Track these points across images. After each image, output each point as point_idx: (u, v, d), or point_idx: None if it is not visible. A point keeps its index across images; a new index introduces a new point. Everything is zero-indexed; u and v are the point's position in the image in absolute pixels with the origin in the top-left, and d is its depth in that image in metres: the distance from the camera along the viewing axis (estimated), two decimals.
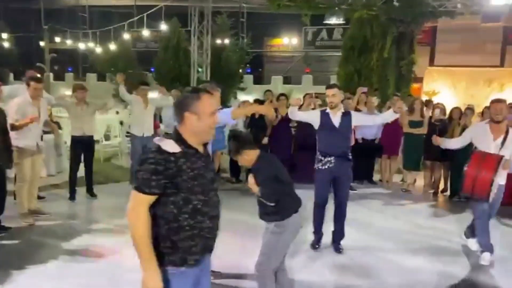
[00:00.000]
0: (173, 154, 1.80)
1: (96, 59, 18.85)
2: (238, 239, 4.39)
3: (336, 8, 11.79)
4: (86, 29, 20.32)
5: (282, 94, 7.57)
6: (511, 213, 5.65)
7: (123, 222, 4.67)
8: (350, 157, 4.29)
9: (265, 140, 7.05)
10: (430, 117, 6.96)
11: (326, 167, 4.16)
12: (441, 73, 13.70)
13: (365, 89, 7.71)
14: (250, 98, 11.54)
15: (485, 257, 4.16)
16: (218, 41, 15.80)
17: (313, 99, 7.06)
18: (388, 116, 4.32)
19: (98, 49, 18.86)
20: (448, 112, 7.15)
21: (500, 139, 4.01)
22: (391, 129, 7.23)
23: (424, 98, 12.68)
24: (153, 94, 18.15)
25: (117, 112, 11.39)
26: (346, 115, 4.24)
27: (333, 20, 13.04)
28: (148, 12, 15.07)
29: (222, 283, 3.53)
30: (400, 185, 7.46)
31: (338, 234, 4.41)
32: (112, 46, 18.33)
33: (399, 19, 11.68)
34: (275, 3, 11.47)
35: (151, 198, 1.81)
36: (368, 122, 5.15)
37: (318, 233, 4.43)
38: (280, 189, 2.82)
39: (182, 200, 1.83)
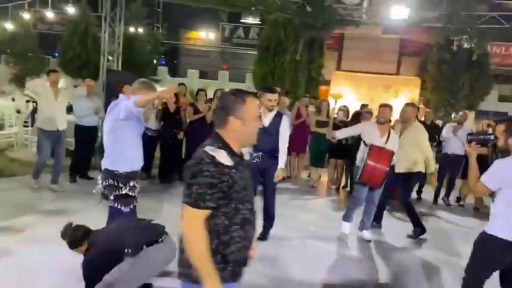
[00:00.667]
0: (227, 166, 1.71)
1: None
2: None
3: (253, 8, 12.04)
4: None
5: (200, 90, 7.53)
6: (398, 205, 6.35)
7: (19, 220, 4.36)
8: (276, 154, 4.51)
9: (181, 136, 6.98)
10: (335, 118, 7.52)
11: (254, 161, 4.41)
12: (346, 77, 14.76)
13: (278, 89, 8.00)
14: None
15: (365, 234, 4.99)
16: (132, 30, 15.12)
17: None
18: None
19: None
20: (351, 114, 7.79)
21: (385, 137, 4.77)
22: (299, 128, 7.65)
23: (331, 100, 13.61)
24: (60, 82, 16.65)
25: (13, 99, 10.33)
26: (277, 117, 4.51)
27: (249, 19, 13.30)
28: None
29: None
30: (307, 181, 7.93)
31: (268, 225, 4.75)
32: (9, 26, 16.51)
33: (310, 24, 12.34)
34: None
35: (206, 213, 1.71)
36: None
37: None
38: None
39: (232, 210, 1.75)
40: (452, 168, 7.24)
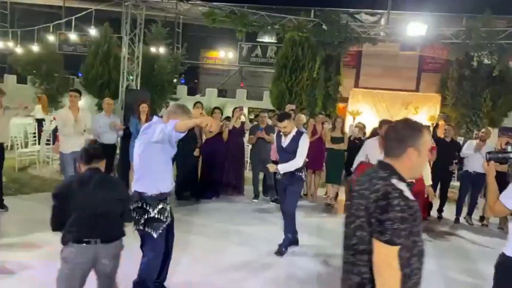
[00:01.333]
0: (412, 200, 1.69)
1: (16, 60, 17.51)
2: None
3: (269, 27, 12.20)
4: (7, 28, 18.82)
5: (216, 108, 7.61)
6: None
7: (37, 236, 4.43)
8: (299, 172, 4.85)
9: (197, 152, 7.03)
10: (350, 136, 7.46)
11: (279, 177, 4.96)
12: (364, 95, 14.69)
13: (293, 107, 8.04)
14: None
15: None
16: (152, 50, 15.51)
17: (241, 111, 7.26)
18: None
19: (19, 50, 17.55)
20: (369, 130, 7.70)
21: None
22: (315, 145, 7.59)
23: (349, 117, 13.53)
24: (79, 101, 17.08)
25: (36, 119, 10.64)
26: (296, 136, 4.80)
27: (265, 39, 13.47)
28: (78, 16, 14.38)
29: None
30: (324, 199, 7.81)
31: (286, 239, 4.94)
32: (36, 48, 17.17)
33: (327, 42, 12.40)
34: (210, 17, 11.61)
35: (398, 249, 1.67)
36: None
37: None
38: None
39: (411, 243, 1.72)
40: (474, 186, 7.02)
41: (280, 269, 4.37)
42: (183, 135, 2.91)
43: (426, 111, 14.19)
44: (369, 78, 15.73)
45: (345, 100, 14.59)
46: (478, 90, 12.31)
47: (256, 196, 7.48)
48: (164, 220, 3.18)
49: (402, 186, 1.70)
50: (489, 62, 11.65)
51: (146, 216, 3.08)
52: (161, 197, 3.17)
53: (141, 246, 3.20)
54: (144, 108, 6.77)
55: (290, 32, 12.70)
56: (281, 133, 4.89)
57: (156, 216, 3.11)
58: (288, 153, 4.77)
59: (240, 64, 20.21)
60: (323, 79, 13.02)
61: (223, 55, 22.34)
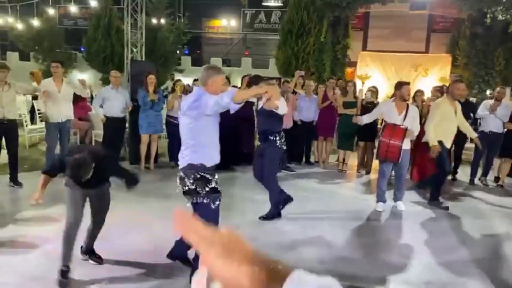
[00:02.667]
0: None
1: (17, 36, 17.27)
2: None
3: None
4: (5, 3, 18.46)
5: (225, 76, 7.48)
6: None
7: (52, 211, 4.44)
8: (272, 137, 4.66)
9: None
10: (363, 100, 7.30)
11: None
12: (373, 58, 14.34)
13: (302, 73, 7.84)
14: (189, 80, 11.28)
15: (400, 205, 5.33)
16: (154, 21, 15.16)
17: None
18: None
19: (20, 26, 17.27)
20: (380, 94, 7.54)
21: (403, 114, 5.03)
22: (326, 112, 7.48)
23: (357, 81, 13.28)
24: (83, 75, 17.12)
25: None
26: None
27: (271, 2, 13.06)
28: None
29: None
30: (335, 165, 7.77)
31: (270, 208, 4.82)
32: (36, 23, 16.88)
33: (334, 4, 11.99)
34: None
35: None
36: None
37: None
38: None
39: None
40: (490, 146, 6.89)
41: (293, 235, 4.36)
42: (240, 106, 2.79)
43: (436, 72, 13.85)
44: (377, 41, 15.32)
45: (353, 64, 14.27)
46: (491, 49, 11.94)
47: None
48: (220, 191, 3.14)
49: None
50: (504, 18, 11.21)
51: (208, 187, 3.01)
52: (214, 168, 3.15)
53: None
54: (151, 79, 6.66)
55: None
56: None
57: (216, 186, 3.07)
58: (263, 116, 4.70)
59: (244, 31, 19.76)
60: (331, 43, 12.68)
61: (226, 24, 21.85)
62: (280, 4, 13.96)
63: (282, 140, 4.72)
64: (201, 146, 3.04)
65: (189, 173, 3.02)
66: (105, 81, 13.09)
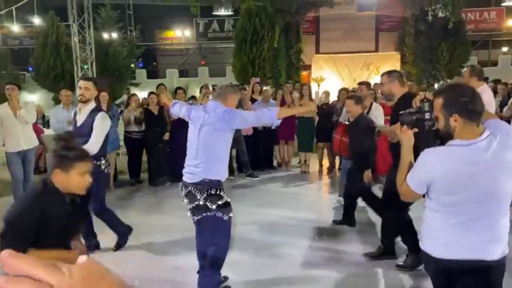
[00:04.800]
0: None
1: None
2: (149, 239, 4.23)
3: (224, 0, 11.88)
4: None
5: (179, 88, 7.43)
6: None
7: None
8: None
9: (166, 136, 6.84)
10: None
11: None
12: (326, 60, 14.72)
13: (257, 80, 7.93)
14: (144, 93, 11.08)
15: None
16: (105, 36, 14.80)
17: (207, 89, 7.10)
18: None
19: None
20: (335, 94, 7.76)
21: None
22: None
23: (313, 84, 13.57)
24: (33, 96, 16.41)
25: None
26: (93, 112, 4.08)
27: (221, 11, 13.12)
28: (18, 5, 13.45)
29: None
30: (298, 167, 7.88)
31: None
32: None
33: (284, 10, 12.21)
34: None
35: None
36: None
37: None
38: None
39: None
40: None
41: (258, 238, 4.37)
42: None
43: (387, 69, 14.40)
44: (329, 43, 15.73)
45: (308, 67, 14.58)
46: (434, 44, 12.57)
47: (231, 172, 7.43)
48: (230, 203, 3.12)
49: None
50: (444, 15, 11.86)
51: (220, 202, 2.97)
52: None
53: (199, 232, 3.17)
54: (104, 96, 6.48)
55: (246, 1, 12.42)
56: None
57: (227, 200, 3.04)
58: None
59: (198, 41, 19.71)
60: (284, 48, 12.90)
61: (180, 34, 21.71)
62: (230, 13, 14.03)
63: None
64: (218, 159, 2.99)
65: (203, 189, 2.94)
66: (57, 101, 12.62)
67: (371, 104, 5.22)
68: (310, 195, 6.30)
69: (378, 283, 3.52)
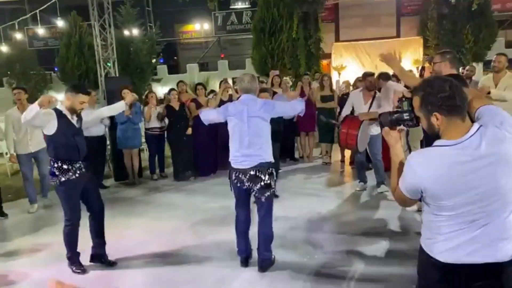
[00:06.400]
0: None
1: None
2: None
3: None
4: None
5: (199, 84, 7.51)
6: None
7: (38, 239, 4.40)
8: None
9: (189, 131, 6.96)
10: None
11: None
12: (346, 48, 14.51)
13: (277, 72, 7.91)
14: (166, 89, 11.24)
15: (382, 188, 5.52)
16: (126, 33, 15.05)
17: (226, 84, 7.15)
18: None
19: None
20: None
21: (369, 103, 5.39)
22: (305, 107, 7.55)
23: (334, 72, 13.44)
24: (60, 95, 16.92)
25: None
26: None
27: (239, 4, 13.10)
28: (42, 8, 13.82)
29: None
30: (320, 159, 7.86)
31: None
32: (5, 48, 16.61)
33: (301, 0, 12.09)
34: None
35: None
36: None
37: None
38: None
39: None
40: None
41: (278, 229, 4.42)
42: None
43: (409, 55, 14.09)
44: (349, 30, 15.50)
45: (328, 56, 14.41)
46: (458, 27, 12.20)
47: None
48: None
49: None
50: None
51: (274, 180, 3.48)
52: None
53: (260, 211, 3.50)
54: (126, 93, 6.62)
55: None
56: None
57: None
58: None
59: (217, 34, 19.76)
60: (303, 38, 12.79)
61: (199, 28, 21.80)
62: (247, 6, 14.00)
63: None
64: (268, 144, 3.43)
65: (264, 170, 3.36)
66: None
67: (375, 94, 5.44)
68: (333, 186, 6.29)
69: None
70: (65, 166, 3.56)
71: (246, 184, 3.40)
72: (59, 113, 3.54)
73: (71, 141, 3.60)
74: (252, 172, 3.34)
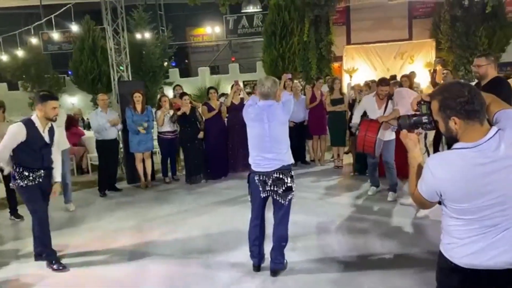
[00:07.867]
0: None
1: (3, 68, 17.30)
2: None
3: None
4: None
5: (211, 88, 7.56)
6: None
7: (54, 242, 4.46)
8: None
9: (201, 135, 7.01)
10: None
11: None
12: (358, 50, 14.40)
13: (289, 76, 7.90)
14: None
15: (389, 195, 5.49)
16: (138, 37, 15.19)
17: (238, 86, 7.20)
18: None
19: (4, 57, 17.29)
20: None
21: (383, 108, 5.31)
22: (316, 110, 7.57)
23: (345, 75, 13.38)
24: (73, 99, 17.09)
25: None
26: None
27: (250, 8, 13.15)
28: (57, 13, 14.05)
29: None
30: (331, 162, 7.84)
31: None
32: (20, 53, 16.91)
33: (313, 3, 12.08)
34: None
35: None
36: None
37: None
38: None
39: None
40: None
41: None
42: None
43: (421, 58, 13.94)
44: (360, 33, 15.42)
45: (339, 59, 14.35)
46: (472, 30, 12.05)
47: None
48: None
49: None
50: None
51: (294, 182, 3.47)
52: None
53: (278, 213, 3.51)
54: (137, 97, 6.72)
55: None
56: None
57: None
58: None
59: (228, 38, 19.83)
60: (314, 41, 12.77)
61: (210, 31, 21.91)
62: (259, 9, 14.03)
63: None
64: (289, 147, 3.49)
65: (287, 172, 3.41)
66: (96, 103, 13.14)
67: (388, 99, 5.36)
68: (345, 189, 6.26)
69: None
70: (25, 173, 3.68)
71: (269, 188, 3.40)
72: (31, 125, 3.63)
73: (37, 153, 3.70)
74: (276, 175, 3.37)
